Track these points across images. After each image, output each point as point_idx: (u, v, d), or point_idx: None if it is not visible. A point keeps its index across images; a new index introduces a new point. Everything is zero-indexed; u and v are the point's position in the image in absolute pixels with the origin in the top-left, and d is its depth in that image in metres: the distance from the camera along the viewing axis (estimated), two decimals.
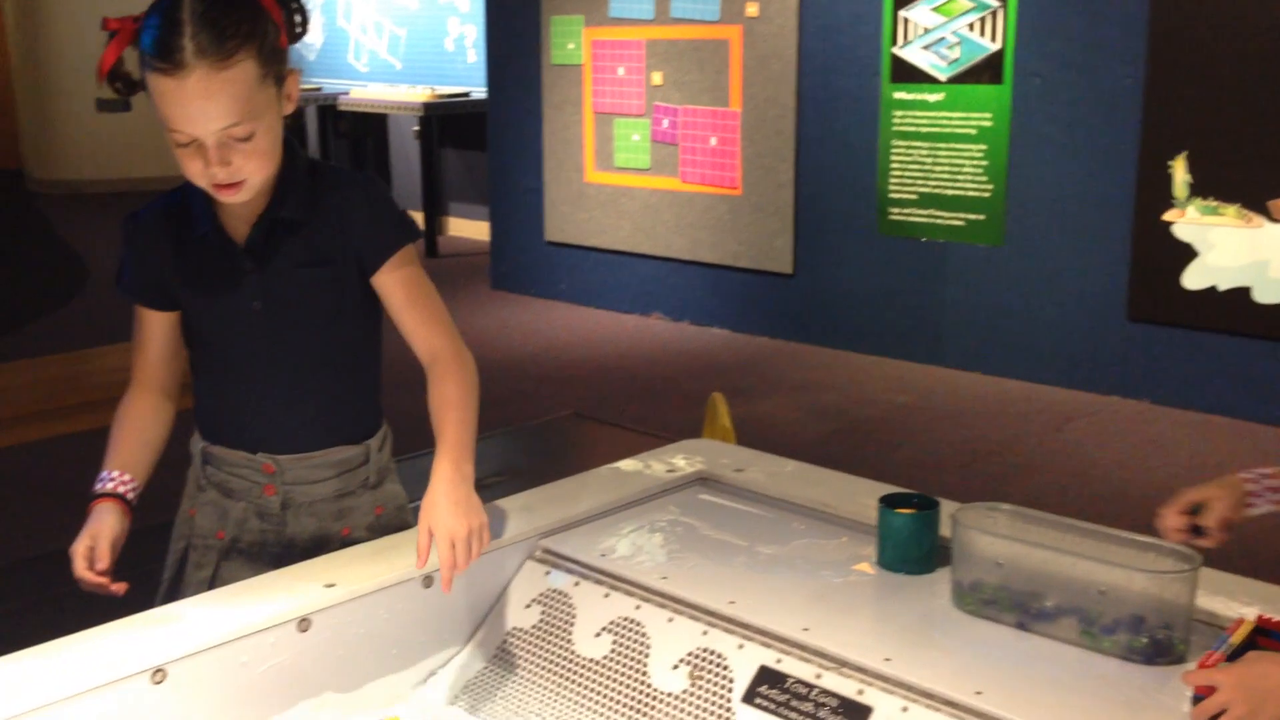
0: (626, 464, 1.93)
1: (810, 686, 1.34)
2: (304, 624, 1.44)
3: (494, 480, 3.51)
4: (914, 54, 4.96)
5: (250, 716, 1.39)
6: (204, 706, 1.36)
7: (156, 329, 1.68)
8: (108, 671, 1.29)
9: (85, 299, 6.65)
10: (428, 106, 7.25)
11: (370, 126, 8.17)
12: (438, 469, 1.56)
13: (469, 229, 7.91)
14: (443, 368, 1.66)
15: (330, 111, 8.28)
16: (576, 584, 1.60)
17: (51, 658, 1.32)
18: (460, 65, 7.87)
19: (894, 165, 5.09)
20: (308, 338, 1.67)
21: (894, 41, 5.01)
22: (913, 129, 5.02)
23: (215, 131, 1.47)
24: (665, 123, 5.81)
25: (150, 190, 9.93)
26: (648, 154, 5.88)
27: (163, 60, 1.43)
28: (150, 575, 2.71)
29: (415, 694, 1.53)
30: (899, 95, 5.03)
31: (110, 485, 1.59)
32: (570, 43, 6.07)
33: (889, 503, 1.59)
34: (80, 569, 1.50)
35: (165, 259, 1.64)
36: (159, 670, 1.32)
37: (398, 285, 1.66)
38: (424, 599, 1.56)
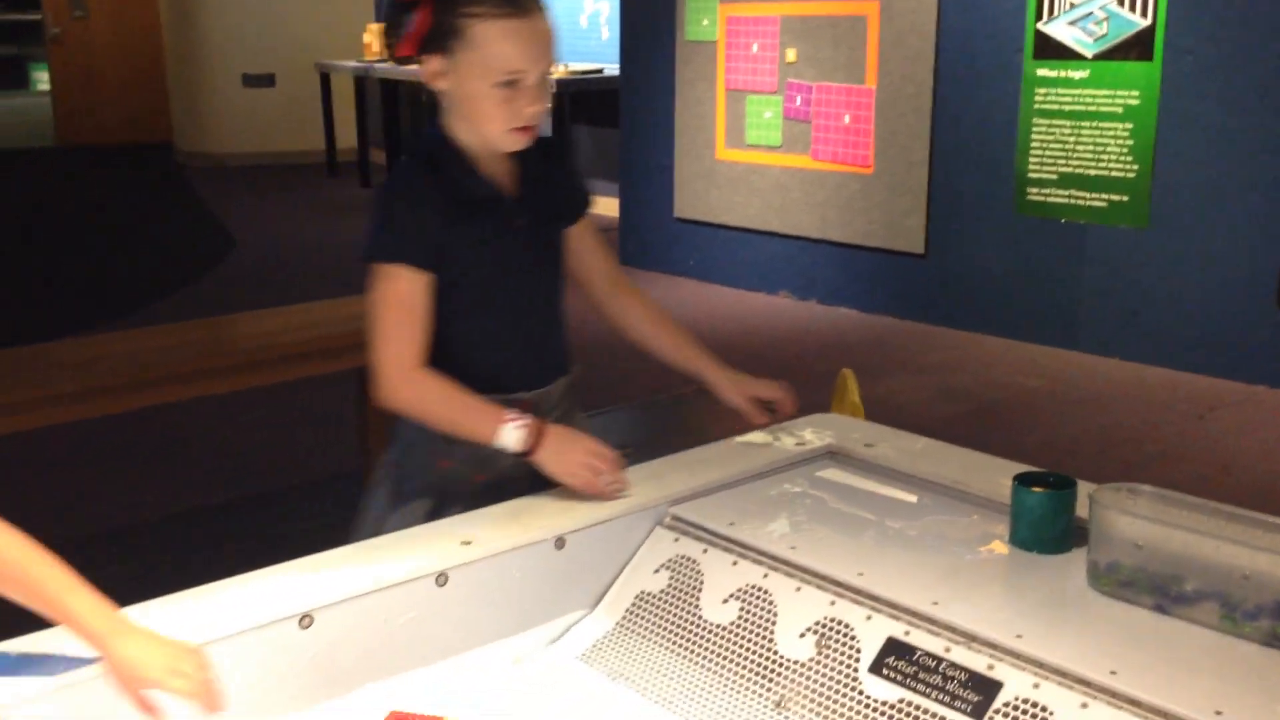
0: (755, 436, 1.94)
1: (939, 659, 1.34)
2: (441, 579, 1.49)
3: (623, 451, 3.56)
4: (1059, 30, 4.83)
5: (391, 665, 1.44)
6: (348, 653, 1.41)
7: (427, 293, 1.72)
8: (260, 614, 1.36)
9: (228, 267, 6.89)
10: (560, 83, 7.31)
11: None
12: (710, 361, 1.94)
13: (598, 205, 7.97)
14: (635, 292, 1.97)
15: None
16: (705, 551, 1.61)
17: (209, 600, 1.39)
18: (594, 42, 7.92)
19: (1034, 144, 4.97)
20: (554, 282, 1.87)
21: (1038, 17, 4.89)
22: (1055, 107, 4.89)
23: (544, 69, 1.69)
24: (798, 100, 5.77)
25: (288, 164, 10.21)
26: (779, 131, 5.85)
27: (512, 5, 1.66)
28: (295, 533, 2.80)
29: (546, 651, 1.57)
30: (1042, 72, 4.91)
31: (524, 417, 1.68)
32: (705, 19, 6.06)
33: (1024, 481, 1.57)
34: (614, 481, 1.67)
35: (439, 220, 1.72)
36: (307, 616, 1.38)
37: (587, 229, 1.93)
38: (555, 560, 1.60)
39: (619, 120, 6.72)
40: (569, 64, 7.69)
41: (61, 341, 3.76)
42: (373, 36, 9.09)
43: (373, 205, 1.73)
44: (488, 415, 1.68)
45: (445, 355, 1.77)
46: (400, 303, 1.70)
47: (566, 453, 1.66)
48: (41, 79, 14.74)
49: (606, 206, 7.79)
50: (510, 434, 1.67)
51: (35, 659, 1.25)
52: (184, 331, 3.66)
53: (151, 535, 3.46)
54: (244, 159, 10.31)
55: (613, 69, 7.23)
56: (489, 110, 1.68)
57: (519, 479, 1.75)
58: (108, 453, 4.00)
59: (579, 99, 7.69)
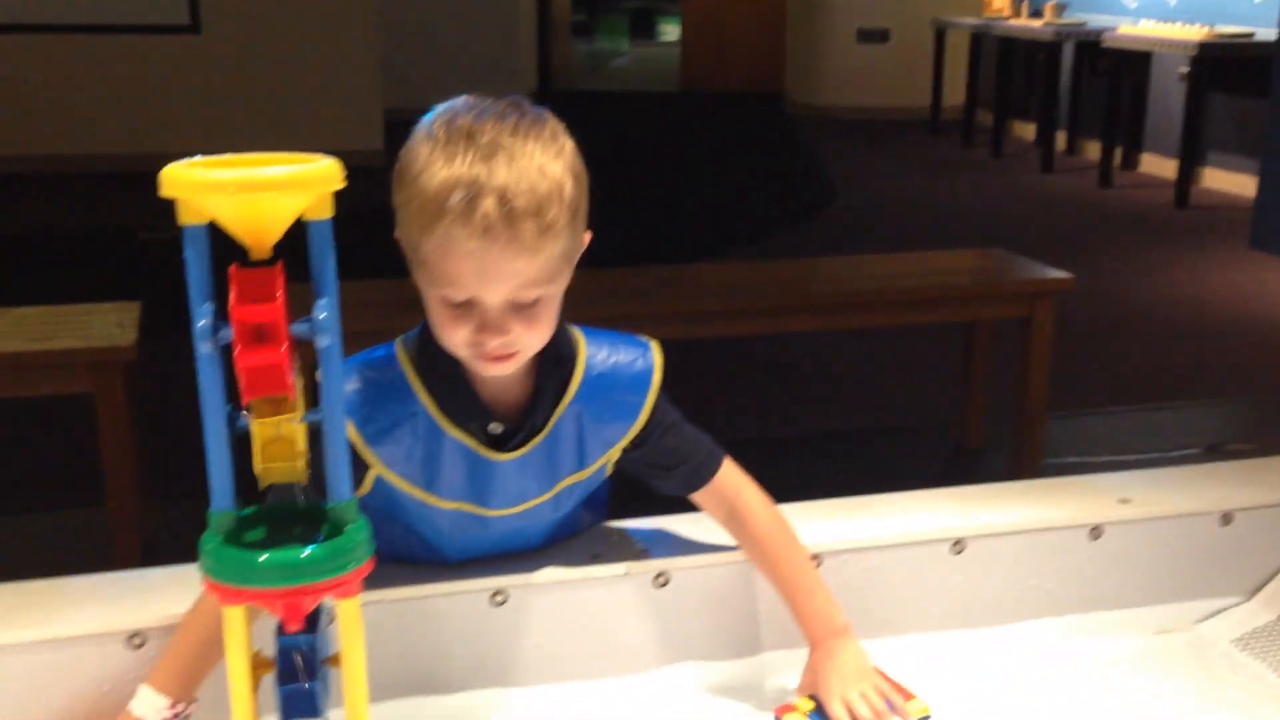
0: None
1: None
2: (1095, 532, 1.44)
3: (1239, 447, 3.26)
4: None
5: (1029, 607, 1.42)
6: (994, 584, 1.41)
7: None
8: (914, 533, 1.39)
9: (827, 217, 7.08)
10: (1203, 47, 6.74)
11: (1131, 66, 7.78)
12: None
13: (1226, 182, 7.29)
14: None
15: (1089, 49, 8.01)
16: None
17: (864, 510, 1.44)
18: (1242, 3, 7.21)
19: None
20: None
21: None
22: None
23: None
24: None
25: (892, 120, 10.24)
26: None
27: None
28: (890, 471, 2.79)
29: (1195, 627, 1.47)
30: None
31: None
32: None
33: None
34: None
35: None
36: (959, 541, 1.39)
37: None
38: (1217, 536, 1.49)
39: (1266, 90, 6.07)
40: (1213, 26, 7.06)
41: (696, 265, 4.07)
42: None
43: None
44: None
45: None
46: None
47: None
48: (668, 30, 16.02)
49: (1235, 184, 7.13)
50: None
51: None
52: (769, 270, 3.85)
53: (764, 450, 3.64)
54: (850, 112, 10.56)
55: (1266, 33, 6.54)
56: None
57: None
58: (716, 372, 4.28)
59: (1219, 65, 7.03)
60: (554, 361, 1.25)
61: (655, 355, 1.31)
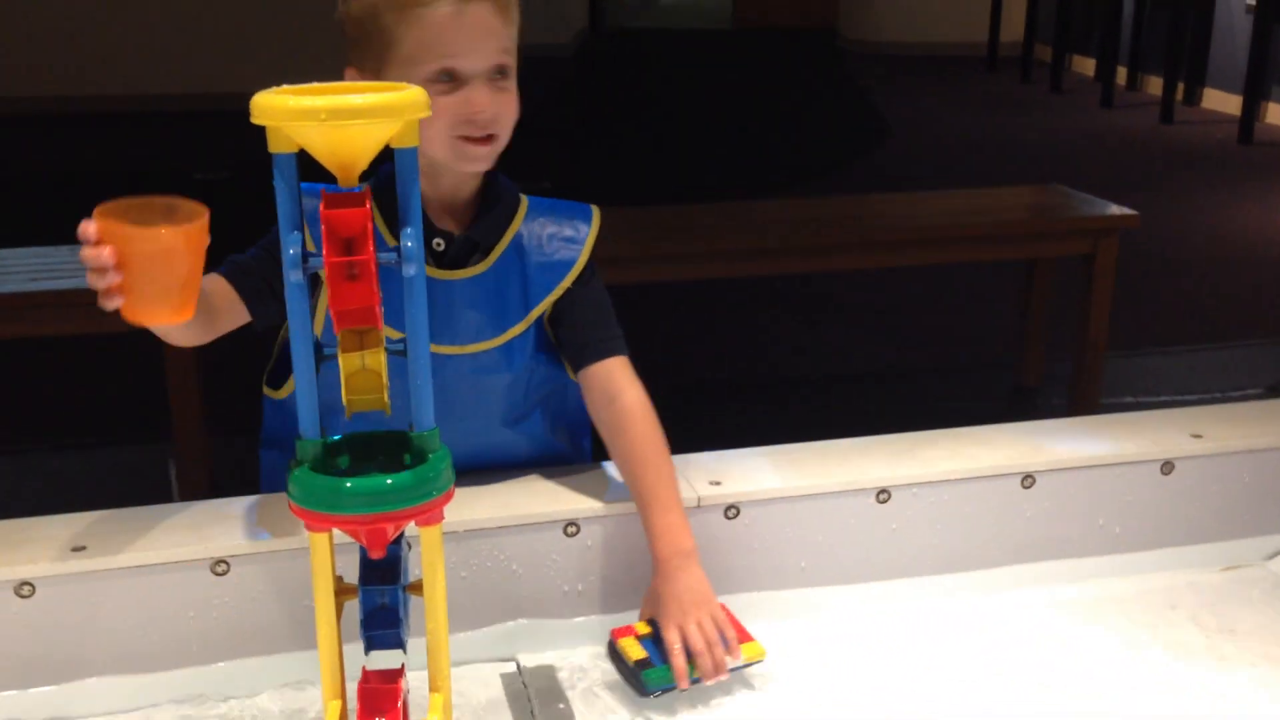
0: None
1: None
2: (1166, 468, 1.43)
3: None
4: None
5: (1095, 544, 1.42)
6: (1058, 520, 1.41)
7: None
8: (985, 468, 1.38)
9: (881, 155, 7.00)
10: None
11: None
12: None
13: None
14: None
15: None
16: None
17: (931, 445, 1.44)
18: None
19: None
20: None
21: None
22: None
23: None
24: None
25: (948, 56, 10.05)
26: None
27: None
28: (948, 409, 2.74)
29: (1265, 563, 1.46)
30: None
31: None
32: None
33: None
34: None
35: None
36: (1029, 476, 1.39)
37: None
38: None
39: None
40: None
41: (749, 202, 4.04)
42: None
43: None
44: None
45: None
46: None
47: None
48: None
49: None
50: None
51: None
52: (857, 205, 3.80)
53: (820, 388, 3.63)
54: (904, 48, 10.39)
55: None
56: None
57: None
58: (771, 308, 4.27)
59: None
60: (497, 188, 1.33)
61: (594, 209, 1.39)
